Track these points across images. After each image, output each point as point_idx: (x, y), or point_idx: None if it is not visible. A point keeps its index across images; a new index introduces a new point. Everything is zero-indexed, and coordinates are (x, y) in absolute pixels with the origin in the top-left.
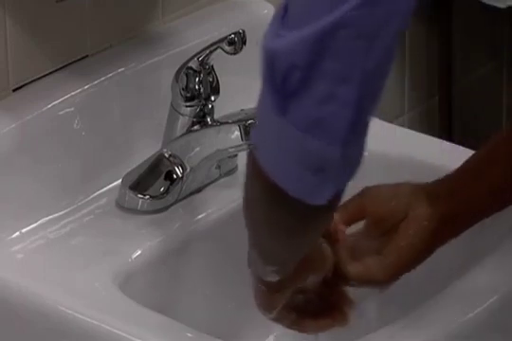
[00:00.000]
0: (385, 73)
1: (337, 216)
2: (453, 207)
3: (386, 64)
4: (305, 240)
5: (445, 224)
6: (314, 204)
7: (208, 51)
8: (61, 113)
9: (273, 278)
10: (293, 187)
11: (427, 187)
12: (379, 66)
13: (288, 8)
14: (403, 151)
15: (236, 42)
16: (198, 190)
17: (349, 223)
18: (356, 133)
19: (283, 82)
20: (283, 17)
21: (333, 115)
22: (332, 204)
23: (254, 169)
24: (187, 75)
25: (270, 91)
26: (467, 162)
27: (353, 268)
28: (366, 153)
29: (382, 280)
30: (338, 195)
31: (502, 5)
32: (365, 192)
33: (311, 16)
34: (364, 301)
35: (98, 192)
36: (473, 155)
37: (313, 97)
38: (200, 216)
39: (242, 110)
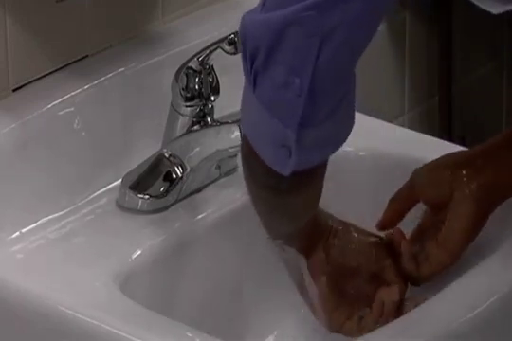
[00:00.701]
0: (343, 68)
1: (391, 207)
2: (493, 176)
3: (342, 61)
4: (288, 212)
5: (487, 193)
6: (282, 173)
7: (208, 51)
8: (61, 113)
9: (289, 252)
10: (266, 156)
11: (464, 162)
12: (333, 63)
13: None
14: (403, 151)
15: (236, 42)
16: (198, 190)
17: (402, 213)
18: (314, 119)
19: (252, 59)
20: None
21: (288, 100)
22: (300, 178)
23: (243, 142)
24: (187, 75)
25: (245, 64)
26: (495, 137)
27: (424, 269)
28: (366, 153)
29: (450, 264)
30: (305, 172)
31: (494, 11)
32: (413, 181)
33: (282, 3)
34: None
35: (98, 192)
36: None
37: (272, 79)
38: (200, 216)
39: None
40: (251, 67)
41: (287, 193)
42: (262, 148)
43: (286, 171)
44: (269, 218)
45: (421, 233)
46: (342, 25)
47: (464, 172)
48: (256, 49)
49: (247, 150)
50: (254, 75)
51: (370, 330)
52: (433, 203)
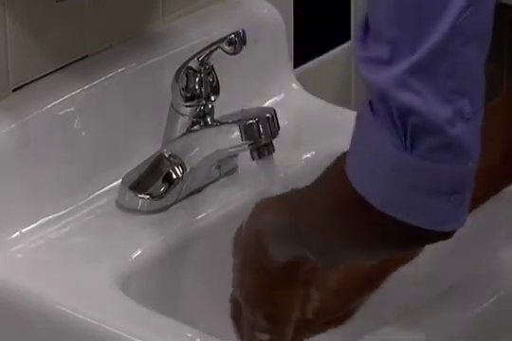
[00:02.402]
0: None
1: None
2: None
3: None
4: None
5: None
6: (447, 230)
7: (208, 51)
8: (61, 113)
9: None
10: (423, 218)
11: None
12: (483, 66)
13: (383, 35)
14: None
15: (236, 42)
16: (198, 190)
17: None
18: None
19: (404, 118)
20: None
21: (461, 135)
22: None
23: (349, 203)
24: (187, 75)
25: (387, 127)
26: None
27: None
28: None
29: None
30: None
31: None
32: None
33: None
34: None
35: (98, 192)
36: None
37: (438, 125)
38: (200, 216)
39: (242, 110)
40: (403, 131)
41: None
42: (410, 207)
43: (458, 225)
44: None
45: None
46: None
47: None
48: (408, 111)
49: (359, 210)
50: (411, 135)
51: None
52: None
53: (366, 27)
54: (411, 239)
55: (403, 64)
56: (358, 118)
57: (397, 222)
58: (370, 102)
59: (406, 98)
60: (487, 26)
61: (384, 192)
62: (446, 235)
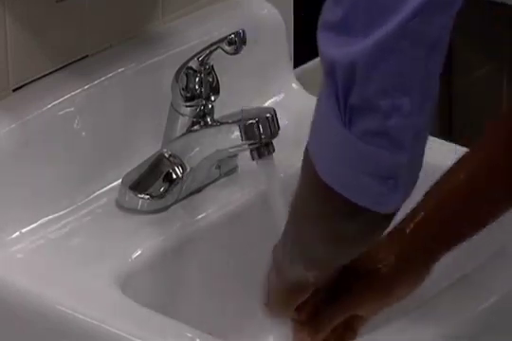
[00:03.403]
0: (438, 74)
1: None
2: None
3: (440, 66)
4: (360, 247)
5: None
6: (382, 212)
7: (208, 51)
8: (61, 113)
9: (306, 280)
10: (360, 196)
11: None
12: (436, 71)
13: (346, 17)
14: None
15: (236, 42)
16: (198, 190)
17: None
18: (420, 138)
19: (346, 96)
20: (340, 25)
21: (398, 126)
22: (395, 212)
23: (310, 177)
24: (187, 75)
25: (333, 101)
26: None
27: None
28: None
29: None
30: (401, 203)
31: None
32: None
33: (374, 23)
34: None
35: (98, 192)
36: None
37: (376, 112)
38: (200, 216)
39: (242, 110)
40: (345, 106)
41: (375, 226)
42: (350, 184)
43: (390, 208)
44: (328, 249)
45: None
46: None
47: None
48: (351, 83)
49: (318, 185)
50: (351, 113)
51: None
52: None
53: None
54: (354, 216)
55: (356, 48)
56: (319, 93)
57: (342, 197)
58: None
59: (351, 78)
60: (440, 38)
61: (330, 167)
62: (385, 218)
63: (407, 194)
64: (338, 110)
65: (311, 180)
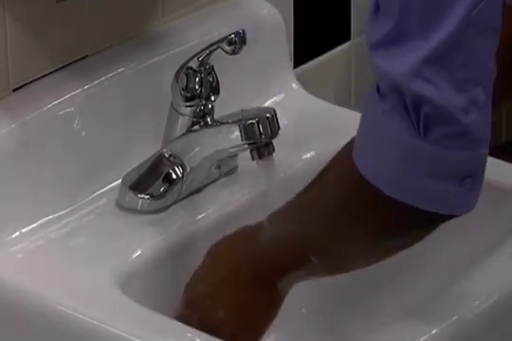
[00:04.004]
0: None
1: None
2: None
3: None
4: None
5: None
6: (459, 214)
7: (208, 51)
8: (61, 113)
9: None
10: (436, 203)
11: None
12: (493, 53)
13: (398, 25)
14: None
15: (236, 42)
16: (198, 190)
17: None
18: (490, 128)
19: (417, 107)
20: (392, 37)
21: (476, 121)
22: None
23: (360, 198)
24: (187, 75)
25: (401, 115)
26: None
27: None
28: None
29: None
30: (476, 202)
31: None
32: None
33: (433, 22)
34: (364, 301)
35: (98, 192)
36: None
37: (453, 113)
38: (200, 216)
39: (242, 110)
40: (417, 115)
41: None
42: (425, 193)
43: (467, 208)
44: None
45: None
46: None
47: None
48: (417, 91)
49: (369, 199)
50: (424, 121)
51: None
52: None
53: (376, 7)
54: (419, 222)
55: (416, 54)
56: (366, 105)
57: (406, 206)
58: (378, 88)
59: (420, 88)
60: (499, 18)
61: (393, 178)
62: (443, 221)
63: (479, 191)
64: (411, 122)
65: (359, 202)
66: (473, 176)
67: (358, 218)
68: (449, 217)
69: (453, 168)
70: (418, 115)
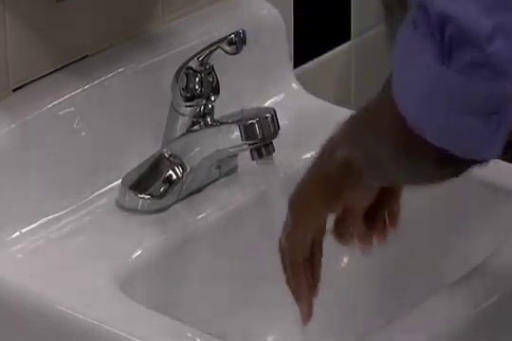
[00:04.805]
0: None
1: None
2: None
3: None
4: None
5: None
6: (481, 159)
7: (208, 51)
8: (61, 113)
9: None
10: (459, 143)
11: None
12: None
13: None
14: None
15: (236, 42)
16: (198, 190)
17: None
18: None
19: (442, 29)
20: None
21: (500, 50)
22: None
23: (394, 126)
24: (187, 75)
25: (428, 40)
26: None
27: None
28: None
29: None
30: (501, 148)
31: None
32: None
33: None
34: (363, 300)
35: (98, 192)
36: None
37: (477, 39)
38: (200, 216)
39: (242, 110)
40: (442, 41)
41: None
42: (448, 129)
43: (492, 154)
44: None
45: None
46: None
47: None
48: (442, 12)
49: (408, 140)
50: (449, 46)
51: None
52: None
53: None
54: (445, 163)
55: None
56: (399, 38)
57: (430, 144)
58: (413, 22)
59: (444, 3)
60: None
61: (421, 111)
62: (479, 162)
63: (504, 138)
64: (436, 46)
65: (393, 130)
66: (498, 113)
67: (394, 148)
68: (470, 162)
69: (477, 101)
70: (443, 36)
